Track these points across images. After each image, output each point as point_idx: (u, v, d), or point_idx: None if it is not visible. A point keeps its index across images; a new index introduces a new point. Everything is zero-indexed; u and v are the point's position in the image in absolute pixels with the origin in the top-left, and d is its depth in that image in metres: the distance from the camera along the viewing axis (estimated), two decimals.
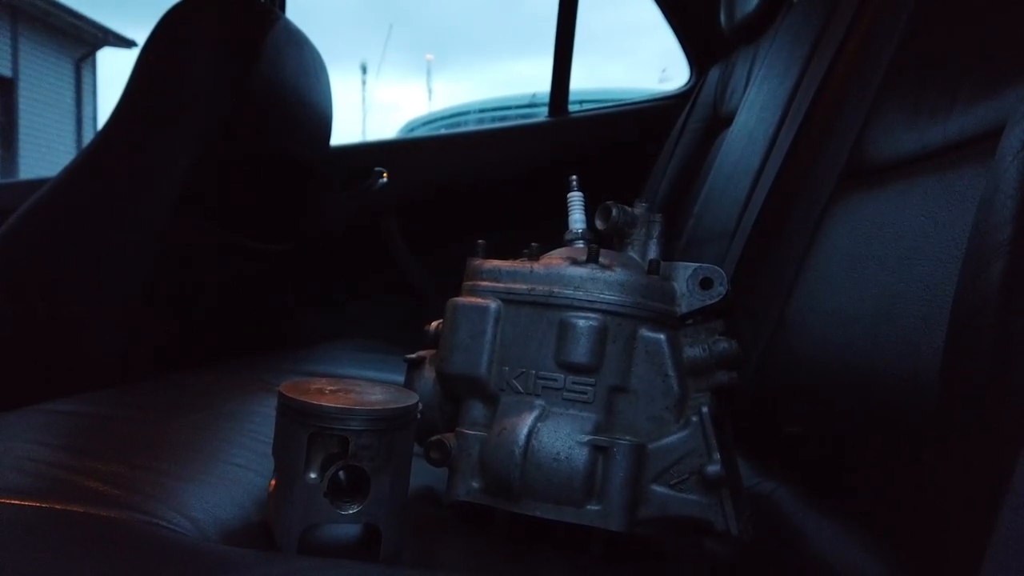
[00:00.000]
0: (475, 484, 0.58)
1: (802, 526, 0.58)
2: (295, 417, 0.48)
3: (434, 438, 0.59)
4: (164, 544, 0.42)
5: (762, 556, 0.58)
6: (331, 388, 0.52)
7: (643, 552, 0.61)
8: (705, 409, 0.56)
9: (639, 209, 0.66)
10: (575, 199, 0.67)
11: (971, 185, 0.53)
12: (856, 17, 0.86)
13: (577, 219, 0.67)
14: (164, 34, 1.14)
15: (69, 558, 0.37)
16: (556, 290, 0.58)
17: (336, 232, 1.75)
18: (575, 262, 0.59)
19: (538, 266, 0.60)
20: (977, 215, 0.36)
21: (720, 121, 1.49)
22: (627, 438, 0.56)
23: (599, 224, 0.65)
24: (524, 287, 0.59)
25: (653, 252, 0.64)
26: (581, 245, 0.65)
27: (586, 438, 0.56)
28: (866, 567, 0.50)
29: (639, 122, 1.82)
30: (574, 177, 0.68)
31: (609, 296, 0.57)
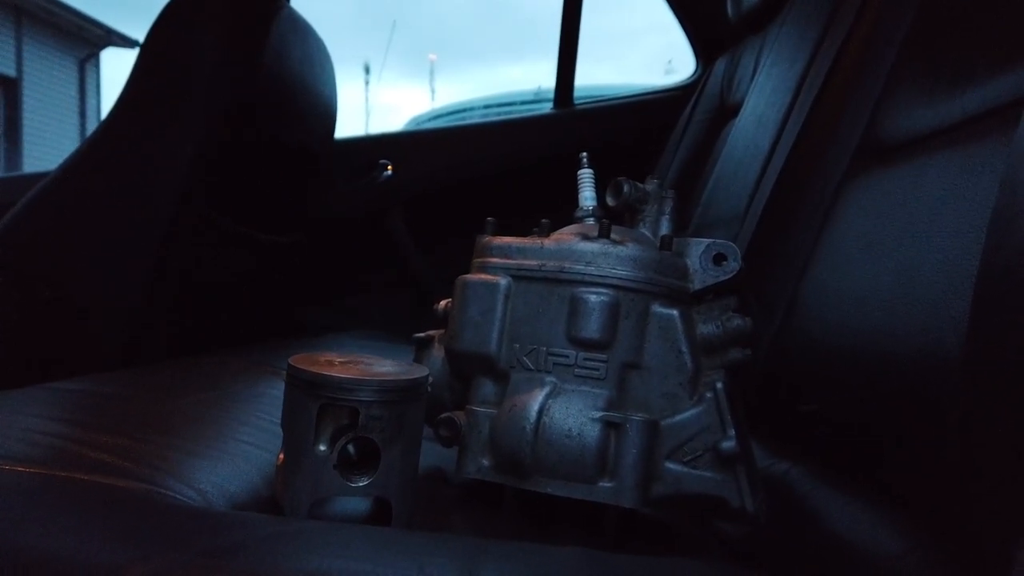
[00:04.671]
0: (485, 461, 0.57)
1: (818, 505, 0.57)
2: (305, 389, 0.47)
3: (444, 415, 0.59)
4: (175, 508, 0.42)
5: (777, 535, 0.57)
6: (340, 360, 0.51)
7: (656, 530, 0.60)
8: (719, 385, 0.55)
9: (651, 185, 0.65)
10: (585, 176, 0.67)
11: (991, 157, 0.52)
12: None
13: (587, 196, 0.66)
14: (169, 22, 1.14)
15: (73, 518, 0.36)
16: (567, 265, 0.57)
17: (341, 225, 1.74)
18: (586, 237, 0.59)
19: (549, 242, 0.59)
20: (1005, 173, 0.35)
21: (727, 112, 1.48)
22: (640, 414, 0.55)
23: (610, 200, 0.64)
24: (534, 263, 0.59)
25: (665, 228, 0.64)
26: (592, 221, 0.64)
27: (598, 414, 0.55)
28: (885, 544, 0.49)
29: (645, 114, 1.81)
30: (584, 154, 0.67)
31: (621, 271, 0.57)
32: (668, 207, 0.64)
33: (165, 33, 1.15)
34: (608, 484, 0.54)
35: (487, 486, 0.58)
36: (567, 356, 0.57)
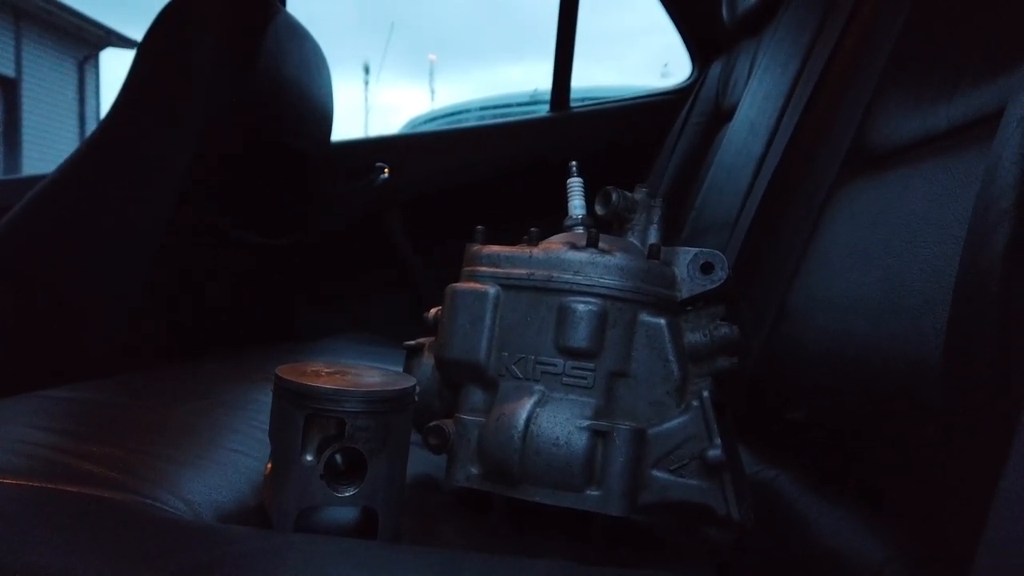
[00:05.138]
0: (474, 470, 0.58)
1: (804, 512, 0.57)
2: (291, 399, 0.47)
3: (433, 424, 0.59)
4: (158, 521, 0.42)
5: (763, 542, 0.58)
6: (328, 371, 0.51)
7: (643, 538, 0.60)
8: (706, 394, 0.56)
9: (639, 194, 0.65)
10: (575, 185, 0.67)
11: (975, 167, 0.52)
12: (858, 4, 0.86)
13: (577, 205, 0.66)
14: (167, 24, 1.14)
15: (60, 532, 0.36)
16: (555, 275, 0.58)
17: (338, 227, 1.74)
18: (574, 247, 0.59)
19: (537, 251, 0.60)
20: (981, 187, 0.35)
21: (722, 115, 1.48)
22: (627, 423, 0.56)
23: (599, 209, 0.64)
24: (523, 272, 0.59)
25: (653, 237, 0.64)
26: (581, 231, 0.64)
27: (586, 423, 0.55)
28: (869, 551, 0.50)
29: (640, 118, 1.81)
30: (574, 163, 0.67)
31: (609, 280, 0.57)
32: (656, 216, 0.64)
33: (163, 35, 1.15)
34: (595, 492, 0.55)
35: (476, 494, 0.58)
36: (555, 365, 0.57)
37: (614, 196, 0.63)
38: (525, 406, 0.56)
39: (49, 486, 0.45)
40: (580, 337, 0.56)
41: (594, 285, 0.57)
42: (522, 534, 0.56)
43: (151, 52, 1.13)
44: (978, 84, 0.56)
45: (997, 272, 0.30)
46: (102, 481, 0.47)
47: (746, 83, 1.30)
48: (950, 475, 0.37)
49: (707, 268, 0.61)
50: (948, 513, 0.36)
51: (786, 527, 0.57)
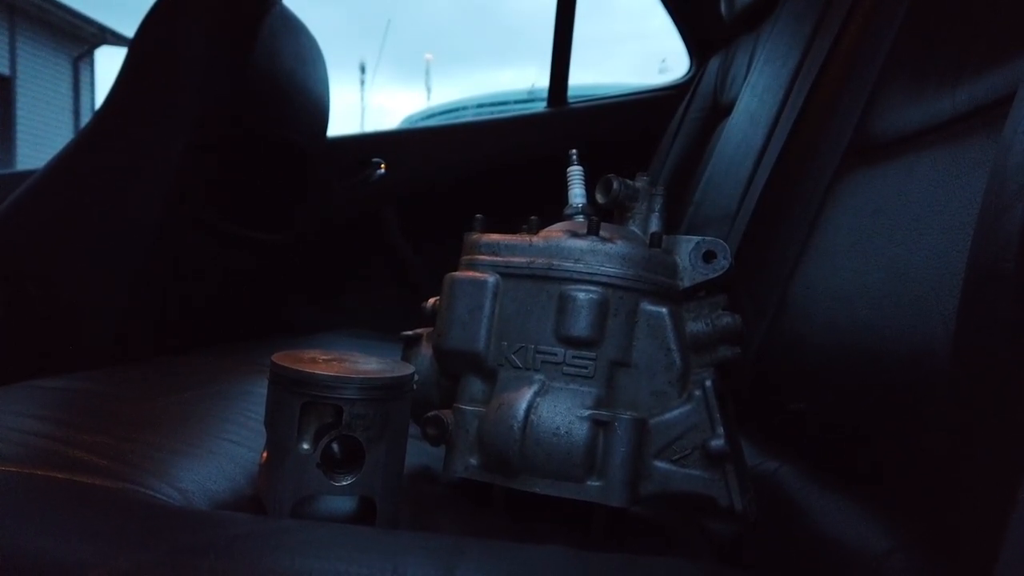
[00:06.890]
0: (473, 461, 0.57)
1: (807, 504, 0.57)
2: (287, 386, 0.46)
3: (431, 414, 0.58)
4: (148, 507, 0.41)
5: (766, 534, 0.57)
6: (324, 358, 0.50)
7: (645, 529, 0.59)
8: (708, 383, 0.55)
9: (641, 182, 0.64)
10: (575, 173, 0.66)
11: (981, 152, 0.52)
12: None
13: (577, 193, 0.66)
14: (159, 18, 1.13)
15: (50, 517, 0.35)
16: (556, 263, 0.57)
17: (334, 223, 1.73)
18: (575, 235, 0.58)
19: (537, 239, 0.59)
20: (994, 165, 0.34)
21: (720, 111, 1.48)
22: (628, 413, 0.55)
23: (600, 198, 0.64)
24: (523, 260, 0.58)
25: (655, 225, 0.63)
26: (581, 219, 0.63)
27: (587, 413, 0.54)
28: (871, 543, 0.49)
29: (638, 113, 1.80)
30: (574, 151, 0.66)
31: (610, 269, 0.56)
32: (658, 204, 0.64)
33: (155, 29, 1.14)
34: (596, 483, 0.54)
35: (475, 485, 0.57)
36: (555, 354, 0.56)
37: (615, 184, 0.63)
38: (525, 396, 0.55)
39: (38, 472, 0.44)
40: (581, 326, 0.56)
41: (595, 273, 0.56)
42: (522, 525, 0.56)
43: (144, 46, 1.12)
44: (983, 71, 0.56)
45: (1013, 248, 0.29)
46: (92, 469, 0.46)
47: (745, 78, 1.30)
48: (963, 463, 0.36)
49: (709, 256, 0.60)
50: (962, 505, 0.36)
51: (788, 518, 0.56)
